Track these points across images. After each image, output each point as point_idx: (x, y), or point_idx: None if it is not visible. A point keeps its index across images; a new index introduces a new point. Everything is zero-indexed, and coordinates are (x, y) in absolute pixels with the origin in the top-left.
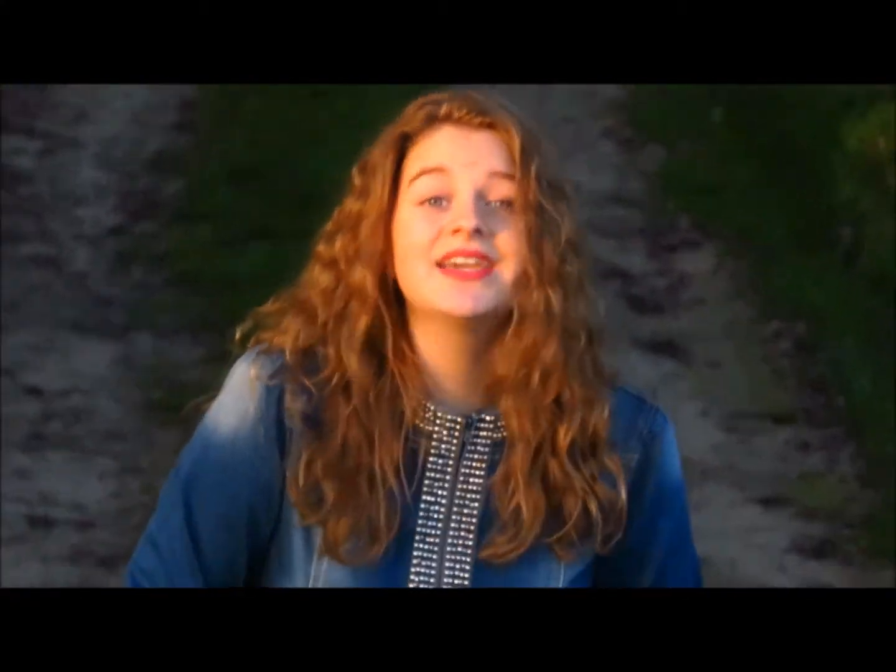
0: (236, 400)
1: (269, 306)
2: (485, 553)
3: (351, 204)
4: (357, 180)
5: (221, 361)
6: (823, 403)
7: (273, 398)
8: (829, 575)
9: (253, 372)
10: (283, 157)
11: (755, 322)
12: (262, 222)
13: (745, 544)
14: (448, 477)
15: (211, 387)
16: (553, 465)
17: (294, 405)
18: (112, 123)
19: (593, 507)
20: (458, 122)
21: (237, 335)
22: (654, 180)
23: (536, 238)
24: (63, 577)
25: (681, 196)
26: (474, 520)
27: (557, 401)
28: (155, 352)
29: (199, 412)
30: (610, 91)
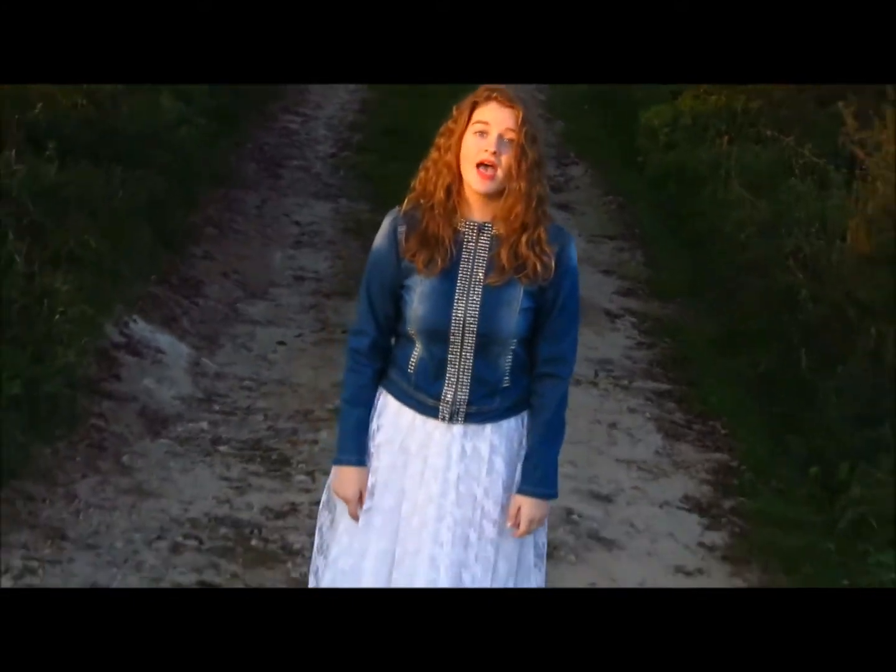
0: (380, 232)
1: (412, 187)
2: (489, 280)
3: (450, 124)
4: (454, 114)
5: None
6: (634, 232)
7: (393, 229)
8: (634, 304)
9: (388, 219)
10: (413, 123)
11: (601, 196)
12: (399, 153)
13: (605, 300)
14: (471, 248)
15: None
16: (520, 248)
17: (402, 229)
18: (331, 108)
19: (539, 267)
20: (498, 101)
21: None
22: (559, 135)
23: (519, 161)
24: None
25: (571, 143)
26: (482, 267)
27: (524, 225)
28: (351, 208)
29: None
30: (537, 90)
